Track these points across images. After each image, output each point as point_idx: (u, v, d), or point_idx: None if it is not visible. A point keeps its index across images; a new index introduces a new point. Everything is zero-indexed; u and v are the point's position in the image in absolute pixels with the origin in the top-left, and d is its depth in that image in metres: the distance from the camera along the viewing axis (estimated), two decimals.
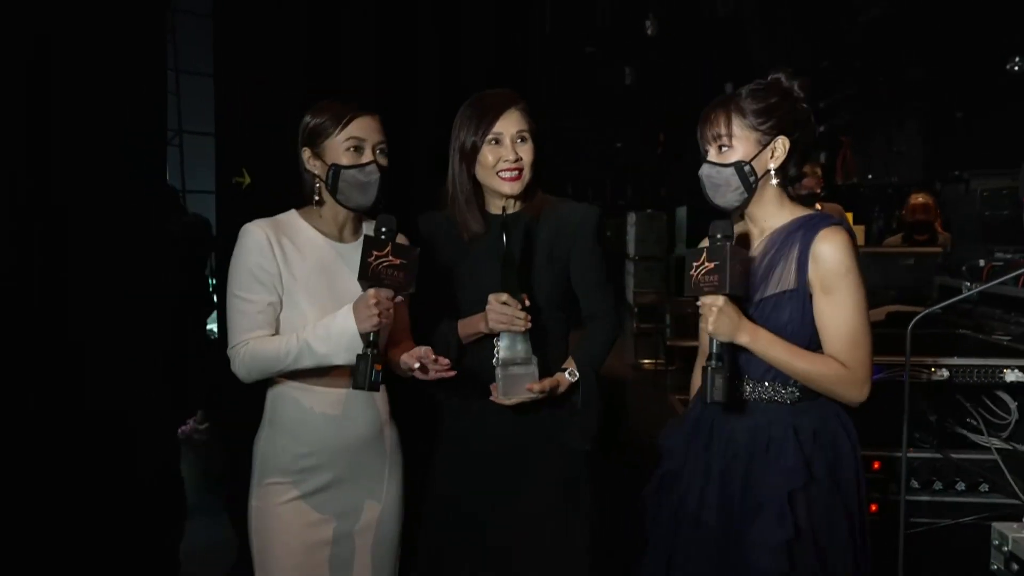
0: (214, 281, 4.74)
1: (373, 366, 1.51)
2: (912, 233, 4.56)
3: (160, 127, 2.23)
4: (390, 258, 1.54)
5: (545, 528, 1.84)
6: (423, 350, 1.63)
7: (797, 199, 1.64)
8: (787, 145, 1.55)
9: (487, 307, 1.74)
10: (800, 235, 1.53)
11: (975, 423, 2.00)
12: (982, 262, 2.78)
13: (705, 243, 1.55)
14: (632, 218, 8.99)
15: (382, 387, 1.76)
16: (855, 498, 1.56)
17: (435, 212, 1.91)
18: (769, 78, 1.59)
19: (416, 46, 2.99)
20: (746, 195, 1.56)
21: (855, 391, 1.52)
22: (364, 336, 1.54)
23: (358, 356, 1.53)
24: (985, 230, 2.96)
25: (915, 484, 1.98)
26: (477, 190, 1.84)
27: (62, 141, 2.06)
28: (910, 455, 1.91)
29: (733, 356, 1.55)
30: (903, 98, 7.40)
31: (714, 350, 1.50)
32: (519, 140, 1.78)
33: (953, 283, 2.89)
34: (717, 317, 1.48)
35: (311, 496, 1.70)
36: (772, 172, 1.54)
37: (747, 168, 1.53)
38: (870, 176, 8.25)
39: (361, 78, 2.80)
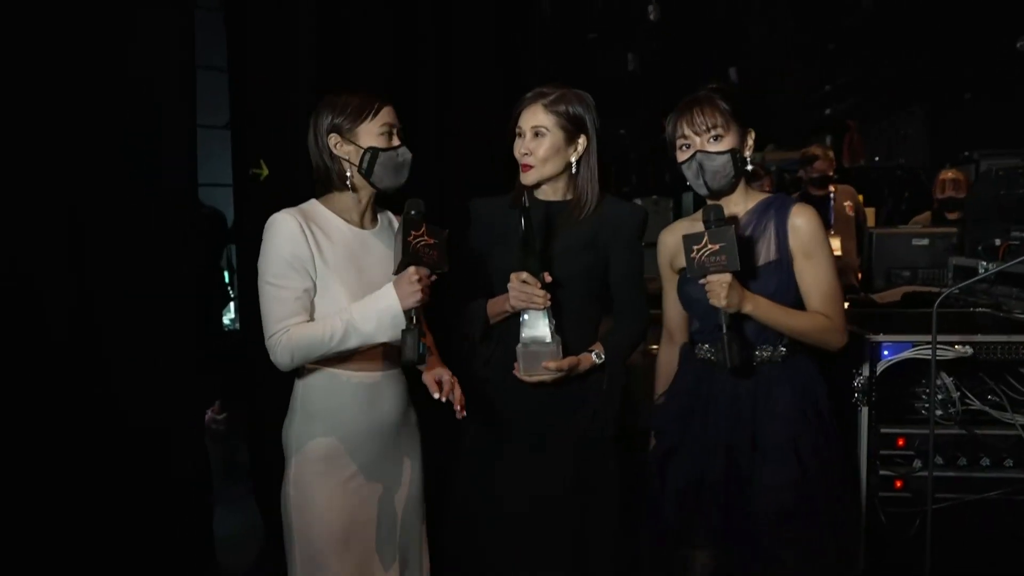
0: (228, 274, 4.77)
1: (420, 339, 1.57)
2: (943, 210, 4.33)
3: (189, 122, 2.24)
4: (426, 238, 1.61)
5: (569, 510, 1.87)
6: (450, 379, 1.72)
7: (751, 185, 1.84)
8: (753, 137, 1.77)
9: (508, 285, 1.79)
10: (772, 213, 1.75)
11: (998, 400, 2.01)
12: (998, 241, 2.78)
13: (698, 227, 1.70)
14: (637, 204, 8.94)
15: (401, 368, 1.82)
16: (837, 441, 1.78)
17: (487, 198, 1.99)
18: (720, 85, 1.79)
19: (421, 37, 2.99)
20: (735, 180, 1.76)
21: (839, 337, 1.75)
22: (407, 313, 1.60)
23: (404, 331, 1.59)
24: (1000, 209, 2.96)
25: (940, 460, 2.00)
26: None
27: (90, 139, 2.07)
28: (934, 432, 1.92)
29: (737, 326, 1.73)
30: (910, 80, 7.37)
31: (726, 321, 1.67)
32: (535, 135, 1.85)
33: (968, 263, 2.90)
34: (728, 292, 1.64)
35: (349, 480, 1.74)
36: (747, 159, 1.76)
37: (739, 156, 1.74)
38: (877, 159, 8.24)
39: (372, 67, 2.81)
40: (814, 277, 1.73)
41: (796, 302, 1.75)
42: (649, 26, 8.86)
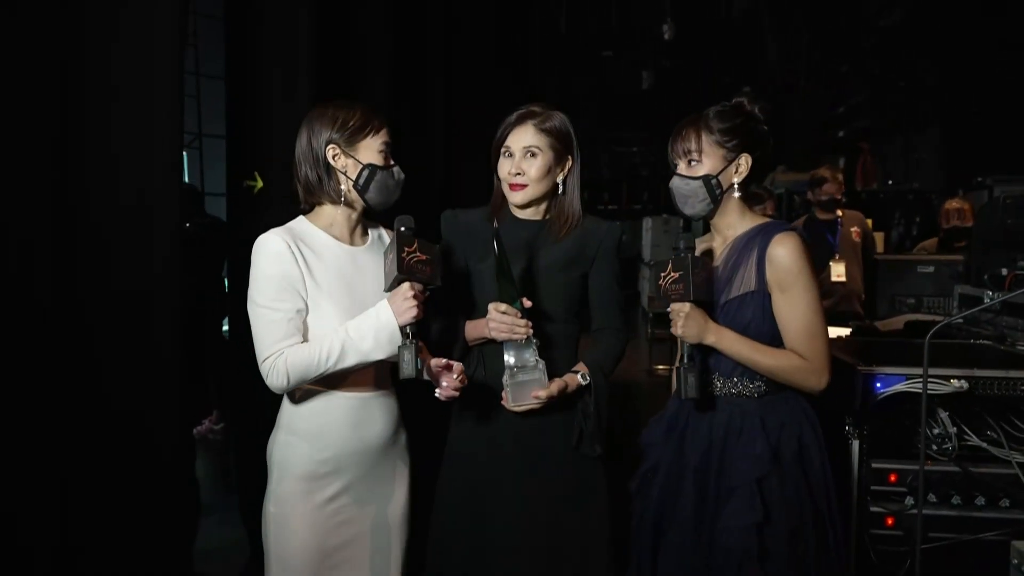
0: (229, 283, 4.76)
1: (417, 355, 1.57)
2: (951, 240, 4.23)
3: (176, 128, 2.23)
4: (418, 253, 1.60)
5: (558, 531, 1.84)
6: (459, 366, 1.71)
7: (753, 209, 1.78)
8: (750, 162, 1.69)
9: (487, 316, 1.77)
10: (758, 241, 1.67)
11: (995, 436, 1.94)
12: (1004, 271, 2.72)
13: (702, 247, 1.71)
14: (648, 223, 8.97)
15: (393, 389, 1.80)
16: (823, 487, 1.68)
17: (459, 211, 1.97)
18: (733, 101, 1.72)
19: (425, 49, 2.99)
20: (712, 206, 1.70)
21: (815, 380, 1.64)
22: (402, 329, 1.59)
23: (401, 347, 1.58)
24: (1007, 238, 2.90)
25: (933, 498, 1.94)
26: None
27: (80, 143, 2.06)
28: (928, 468, 1.87)
29: (704, 356, 1.69)
30: (923, 103, 7.31)
31: (685, 351, 1.64)
32: (528, 155, 1.83)
33: (974, 292, 2.84)
34: (684, 322, 1.62)
35: (330, 500, 1.71)
36: (736, 186, 1.69)
37: (714, 181, 1.67)
38: (890, 182, 8.16)
39: (372, 81, 2.80)
40: (789, 312, 1.64)
41: (776, 337, 1.67)
42: (664, 45, 8.89)
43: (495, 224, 1.77)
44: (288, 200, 1.88)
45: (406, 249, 1.58)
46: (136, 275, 2.16)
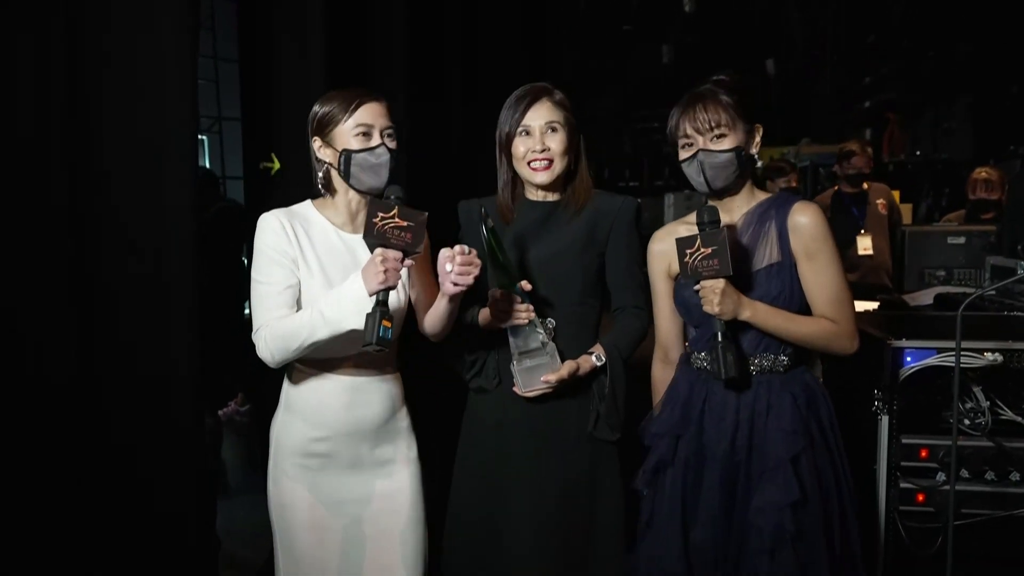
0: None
1: (381, 322, 1.50)
2: (977, 212, 4.08)
3: (191, 113, 2.21)
4: (396, 220, 1.55)
5: (571, 517, 1.82)
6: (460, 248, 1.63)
7: (760, 183, 1.79)
8: (761, 132, 1.68)
9: (489, 303, 1.74)
10: (774, 212, 1.66)
11: None
12: None
13: (692, 230, 1.63)
14: (669, 199, 8.88)
15: (397, 373, 1.80)
16: (840, 461, 1.67)
17: (474, 200, 1.94)
18: (722, 76, 1.70)
19: (442, 30, 2.95)
20: (740, 179, 1.67)
21: (848, 343, 1.65)
22: (376, 297, 1.55)
23: (367, 315, 1.53)
24: None
25: (966, 474, 1.89)
26: (518, 178, 1.87)
27: (92, 131, 2.05)
28: (960, 443, 1.82)
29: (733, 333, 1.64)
30: (953, 72, 7.10)
31: (720, 329, 1.59)
32: (549, 131, 1.80)
33: (1007, 263, 2.77)
34: (721, 299, 1.57)
35: (325, 480, 1.72)
36: (755, 157, 1.68)
37: (744, 153, 1.65)
38: (918, 153, 7.97)
39: (389, 61, 2.77)
40: (817, 279, 1.63)
41: (803, 306, 1.66)
42: (684, 18, 8.74)
43: (484, 212, 1.73)
44: (307, 182, 1.88)
45: (380, 215, 1.54)
46: (152, 265, 2.14)
